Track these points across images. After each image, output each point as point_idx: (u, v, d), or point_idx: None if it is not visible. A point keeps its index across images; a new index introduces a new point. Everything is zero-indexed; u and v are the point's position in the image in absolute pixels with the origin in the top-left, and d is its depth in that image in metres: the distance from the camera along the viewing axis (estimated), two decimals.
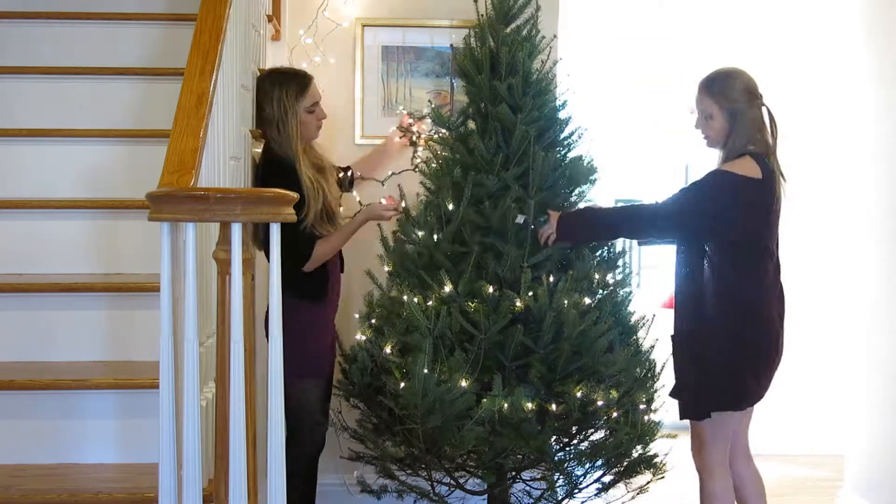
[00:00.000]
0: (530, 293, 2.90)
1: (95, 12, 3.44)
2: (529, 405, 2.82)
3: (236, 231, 2.00)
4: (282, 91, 3.18)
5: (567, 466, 3.08)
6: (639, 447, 3.13)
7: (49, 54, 3.37)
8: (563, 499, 3.16)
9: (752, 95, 2.84)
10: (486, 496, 3.24)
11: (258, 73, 3.30)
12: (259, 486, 2.18)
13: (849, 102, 4.34)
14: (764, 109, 2.86)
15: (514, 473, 3.17)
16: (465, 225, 3.00)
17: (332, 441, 3.41)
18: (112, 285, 2.76)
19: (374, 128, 3.91)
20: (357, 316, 3.34)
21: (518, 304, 2.88)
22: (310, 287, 3.17)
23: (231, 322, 2.01)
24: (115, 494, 2.29)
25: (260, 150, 3.54)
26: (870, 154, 3.98)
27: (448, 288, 2.89)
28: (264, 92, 3.20)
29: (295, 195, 2.11)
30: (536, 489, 3.23)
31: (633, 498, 3.29)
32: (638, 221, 2.98)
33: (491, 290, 2.90)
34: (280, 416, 2.07)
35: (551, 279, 2.97)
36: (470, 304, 2.89)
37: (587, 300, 2.98)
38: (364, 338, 3.15)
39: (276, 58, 3.71)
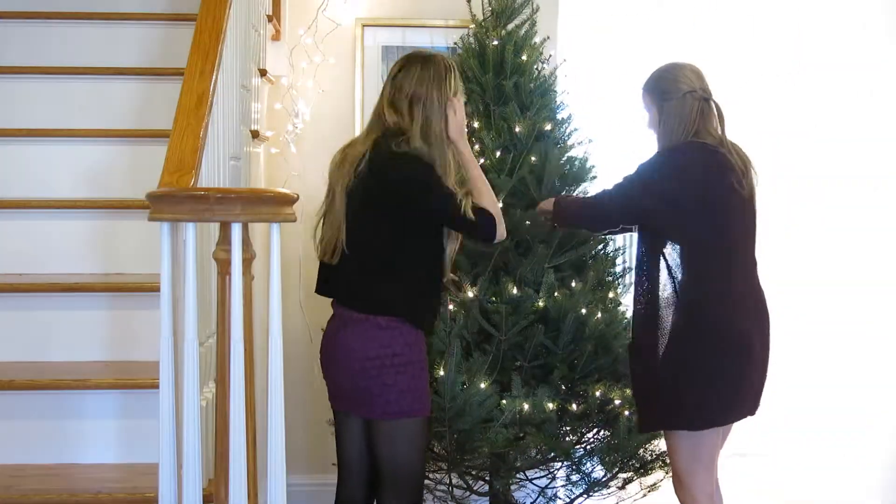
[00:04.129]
0: (553, 294, 2.90)
1: (95, 12, 3.44)
2: (551, 405, 2.83)
3: (236, 231, 1.99)
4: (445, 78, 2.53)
5: (584, 465, 3.09)
6: (647, 445, 3.15)
7: (49, 54, 3.37)
8: (576, 497, 3.17)
9: (685, 86, 2.68)
10: (487, 496, 3.24)
11: (255, 73, 3.30)
12: (259, 486, 2.18)
13: (853, 102, 4.33)
14: (713, 104, 2.70)
15: (515, 472, 3.17)
16: None
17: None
18: (112, 285, 2.76)
19: None
20: None
21: (540, 303, 2.88)
22: (428, 316, 2.58)
23: (231, 322, 2.01)
24: (115, 494, 2.29)
25: (260, 151, 3.53)
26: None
27: (471, 294, 2.89)
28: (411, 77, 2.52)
29: (294, 195, 2.10)
30: (549, 488, 3.24)
31: (644, 496, 3.30)
32: (603, 214, 2.75)
33: (515, 290, 2.90)
34: (280, 415, 2.07)
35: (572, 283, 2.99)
36: (493, 302, 2.89)
37: (608, 297, 3.01)
38: None
39: (276, 58, 3.71)
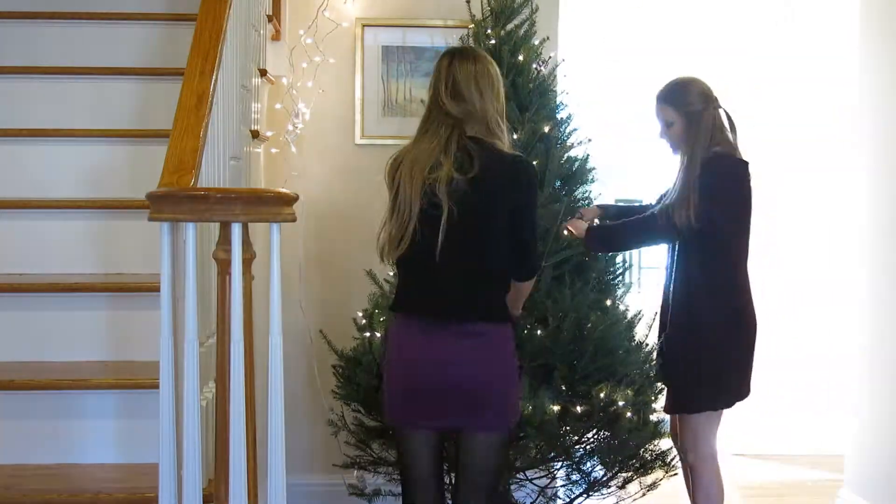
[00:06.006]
0: (552, 293, 2.90)
1: (95, 12, 3.44)
2: (555, 408, 2.82)
3: (236, 231, 1.99)
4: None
5: (584, 464, 3.09)
6: (648, 445, 3.15)
7: (49, 54, 3.37)
8: (576, 497, 3.17)
9: (707, 99, 2.95)
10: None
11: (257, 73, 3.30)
12: (259, 486, 2.18)
13: (848, 103, 4.34)
14: (722, 112, 2.97)
15: (515, 472, 3.17)
16: None
17: (334, 442, 3.42)
18: (112, 285, 2.76)
19: (374, 128, 3.91)
20: (360, 314, 3.32)
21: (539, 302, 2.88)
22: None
23: (231, 322, 2.01)
24: (115, 494, 2.29)
25: (260, 151, 3.53)
26: (865, 153, 3.98)
27: None
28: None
29: (294, 195, 2.09)
30: (549, 488, 3.24)
31: (643, 495, 3.30)
32: (650, 234, 3.01)
33: None
34: (280, 415, 2.07)
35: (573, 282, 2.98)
36: None
37: (608, 301, 3.00)
38: (367, 335, 3.12)
39: (276, 58, 3.71)
